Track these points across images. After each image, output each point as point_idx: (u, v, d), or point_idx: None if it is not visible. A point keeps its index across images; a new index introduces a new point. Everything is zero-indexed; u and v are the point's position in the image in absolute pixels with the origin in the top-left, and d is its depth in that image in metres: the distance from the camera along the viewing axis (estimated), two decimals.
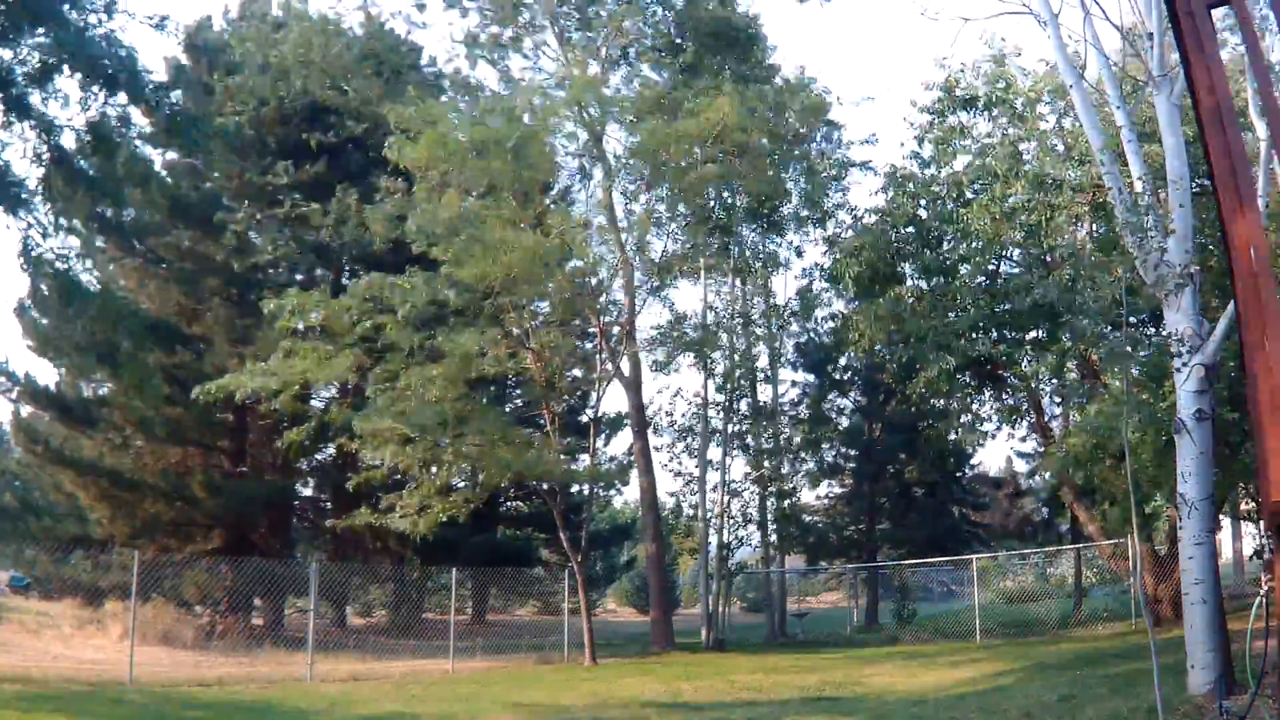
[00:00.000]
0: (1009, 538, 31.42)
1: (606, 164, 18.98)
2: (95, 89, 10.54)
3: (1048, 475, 21.63)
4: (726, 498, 22.66)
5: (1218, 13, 5.67)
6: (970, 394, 17.70)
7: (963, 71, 16.97)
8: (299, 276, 22.09)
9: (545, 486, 18.57)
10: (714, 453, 22.75)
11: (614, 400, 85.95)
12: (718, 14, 20.63)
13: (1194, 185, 10.09)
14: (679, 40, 20.92)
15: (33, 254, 11.42)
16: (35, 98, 10.50)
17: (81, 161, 11.36)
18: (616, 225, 18.97)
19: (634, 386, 19.77)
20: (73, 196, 11.97)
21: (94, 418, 19.78)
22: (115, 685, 11.54)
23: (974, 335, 15.63)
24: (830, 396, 29.20)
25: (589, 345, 20.69)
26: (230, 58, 21.36)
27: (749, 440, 23.60)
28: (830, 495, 31.85)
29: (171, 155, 21.27)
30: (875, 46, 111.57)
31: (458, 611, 19.18)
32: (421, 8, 20.90)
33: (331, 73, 20.23)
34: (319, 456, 22.93)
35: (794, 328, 25.78)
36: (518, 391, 25.70)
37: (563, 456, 19.53)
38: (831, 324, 24.03)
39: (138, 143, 13.30)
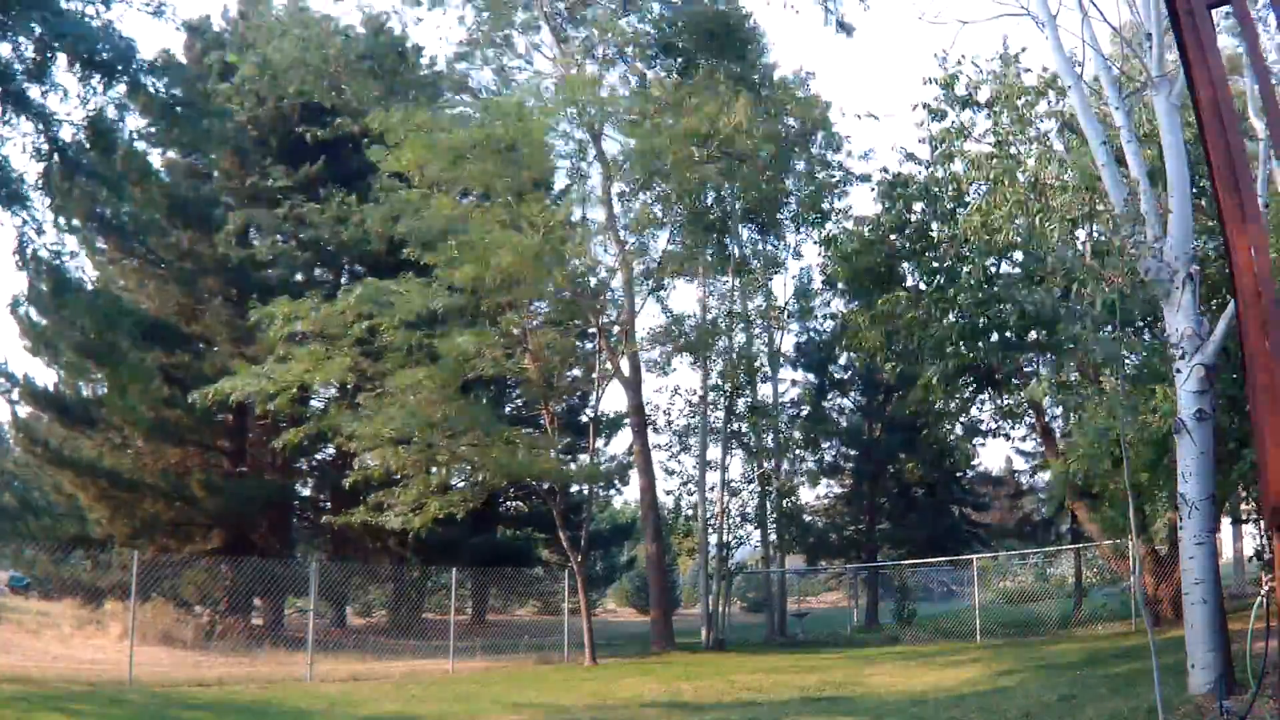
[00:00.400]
0: (1009, 538, 31.38)
1: (605, 164, 18.99)
2: (94, 79, 10.53)
3: (1049, 478, 21.63)
4: (726, 497, 22.66)
5: (1217, 12, 5.66)
6: (969, 397, 17.71)
7: (960, 66, 16.94)
8: (298, 277, 22.10)
9: (545, 486, 18.58)
10: (713, 452, 22.80)
11: (613, 400, 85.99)
12: (713, 12, 20.63)
13: (1193, 186, 10.08)
14: (675, 39, 20.94)
15: (29, 250, 11.41)
16: (34, 91, 10.49)
17: (80, 157, 11.34)
18: (614, 225, 18.97)
19: (633, 386, 19.78)
20: (71, 192, 11.96)
21: (93, 418, 19.77)
22: (115, 685, 11.53)
23: (972, 339, 15.62)
24: (830, 396, 29.21)
25: (588, 345, 20.70)
26: (230, 54, 21.34)
27: (748, 439, 23.61)
28: (830, 495, 31.88)
29: (171, 155, 21.29)
30: (875, 47, 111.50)
31: (457, 611, 19.18)
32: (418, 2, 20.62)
33: (328, 73, 20.23)
34: (318, 456, 22.94)
35: (794, 327, 25.85)
36: (517, 392, 25.69)
37: (562, 456, 19.55)
38: (831, 324, 24.06)
39: (137, 140, 13.30)
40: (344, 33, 20.96)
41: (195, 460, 20.85)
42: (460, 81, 21.22)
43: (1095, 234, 14.78)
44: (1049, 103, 16.06)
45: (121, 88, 10.89)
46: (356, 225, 18.59)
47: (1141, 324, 13.91)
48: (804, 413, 27.21)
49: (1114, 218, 9.43)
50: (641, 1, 20.54)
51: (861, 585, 27.87)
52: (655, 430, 22.54)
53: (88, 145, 11.09)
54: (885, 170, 18.31)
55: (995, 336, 15.61)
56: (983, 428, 20.08)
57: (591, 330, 19.41)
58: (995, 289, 15.64)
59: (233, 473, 21.00)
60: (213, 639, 17.75)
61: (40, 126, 10.61)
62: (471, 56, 20.56)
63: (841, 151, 23.81)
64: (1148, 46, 9.59)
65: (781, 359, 25.59)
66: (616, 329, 19.46)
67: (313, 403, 19.01)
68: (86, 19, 10.38)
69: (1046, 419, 18.29)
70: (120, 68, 10.62)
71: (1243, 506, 16.70)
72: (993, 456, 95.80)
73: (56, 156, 10.80)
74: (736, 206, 21.28)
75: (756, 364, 23.64)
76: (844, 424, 29.62)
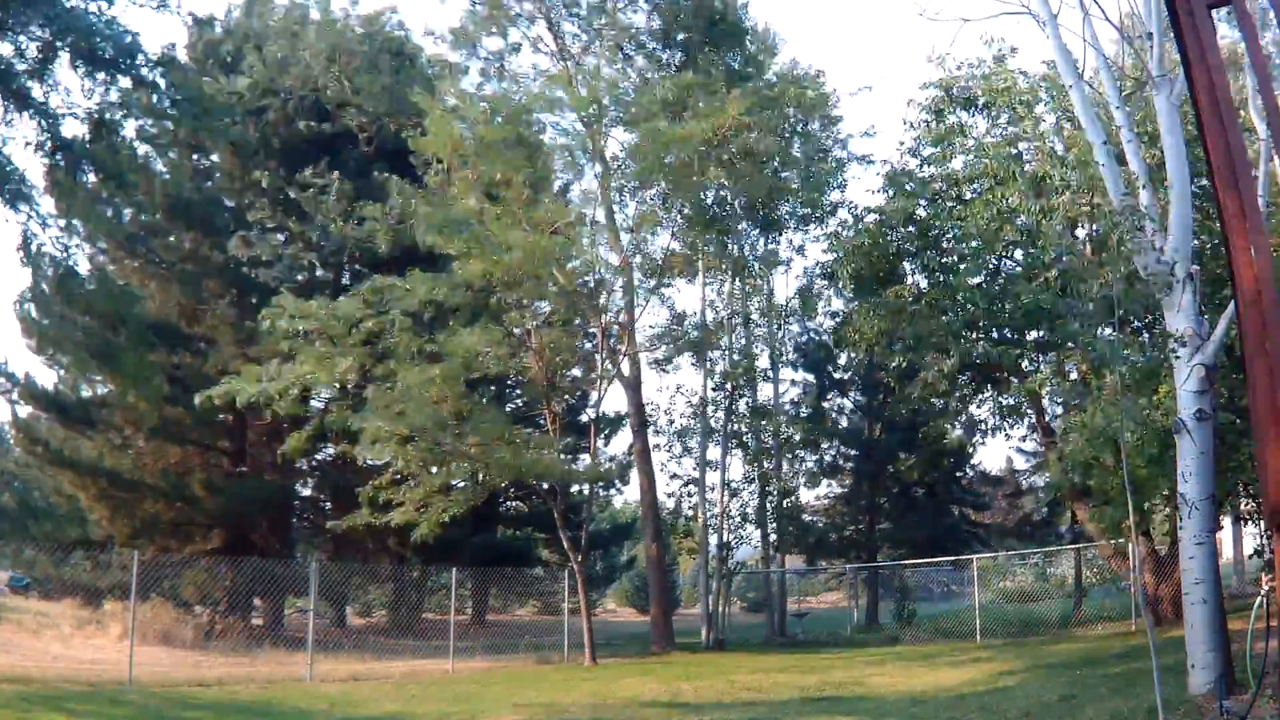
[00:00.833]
0: (1009, 538, 31.37)
1: (604, 162, 19.00)
2: (98, 75, 10.51)
3: (1049, 479, 21.64)
4: (726, 497, 22.67)
5: (1217, 12, 5.66)
6: (969, 394, 17.70)
7: (960, 69, 16.96)
8: (300, 277, 22.10)
9: (545, 486, 18.57)
10: (714, 452, 22.78)
11: (614, 400, 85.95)
12: (712, 4, 20.62)
13: (1193, 185, 10.09)
14: (670, 33, 20.93)
15: (32, 248, 11.40)
16: (37, 90, 10.48)
17: (83, 155, 11.33)
18: (615, 224, 18.97)
19: (634, 386, 19.78)
20: (74, 190, 11.96)
21: (93, 418, 19.77)
22: (115, 685, 11.53)
23: (973, 335, 15.62)
24: (830, 396, 29.21)
25: (589, 345, 20.70)
26: (235, 52, 21.37)
27: (749, 439, 23.61)
28: (830, 495, 31.86)
29: (173, 155, 21.29)
30: (874, 47, 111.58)
31: (457, 611, 19.18)
32: None
33: (334, 69, 20.25)
34: (318, 456, 22.94)
35: (794, 327, 25.82)
36: (518, 391, 25.69)
37: (563, 456, 19.53)
38: (831, 323, 24.06)
39: (139, 139, 13.29)
40: (344, 29, 20.98)
41: (196, 460, 20.85)
42: (456, 75, 21.22)
43: (1095, 232, 14.80)
44: (1044, 104, 16.08)
45: (125, 83, 10.88)
46: (359, 225, 18.58)
47: (1141, 324, 13.91)
48: (804, 413, 27.20)
49: (1113, 216, 9.41)
50: None
51: (861, 585, 27.87)
52: (656, 430, 22.55)
53: (91, 143, 11.08)
54: (889, 163, 18.35)
55: (996, 334, 15.63)
56: (983, 426, 20.09)
57: (593, 330, 19.41)
58: (996, 286, 15.67)
59: (233, 473, 21.01)
60: (213, 639, 17.75)
61: (43, 124, 10.60)
62: (465, 49, 20.52)
63: (840, 132, 23.81)
64: (1148, 46, 9.59)
65: (782, 359, 25.60)
66: (617, 328, 19.46)
67: (314, 403, 18.99)
68: (89, 15, 10.37)
69: (1047, 418, 18.28)
70: (123, 64, 10.61)
71: (1243, 506, 16.68)
72: (993, 456, 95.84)
73: (59, 155, 10.79)
74: (738, 204, 21.27)
75: (756, 364, 23.66)
76: (844, 424, 29.61)
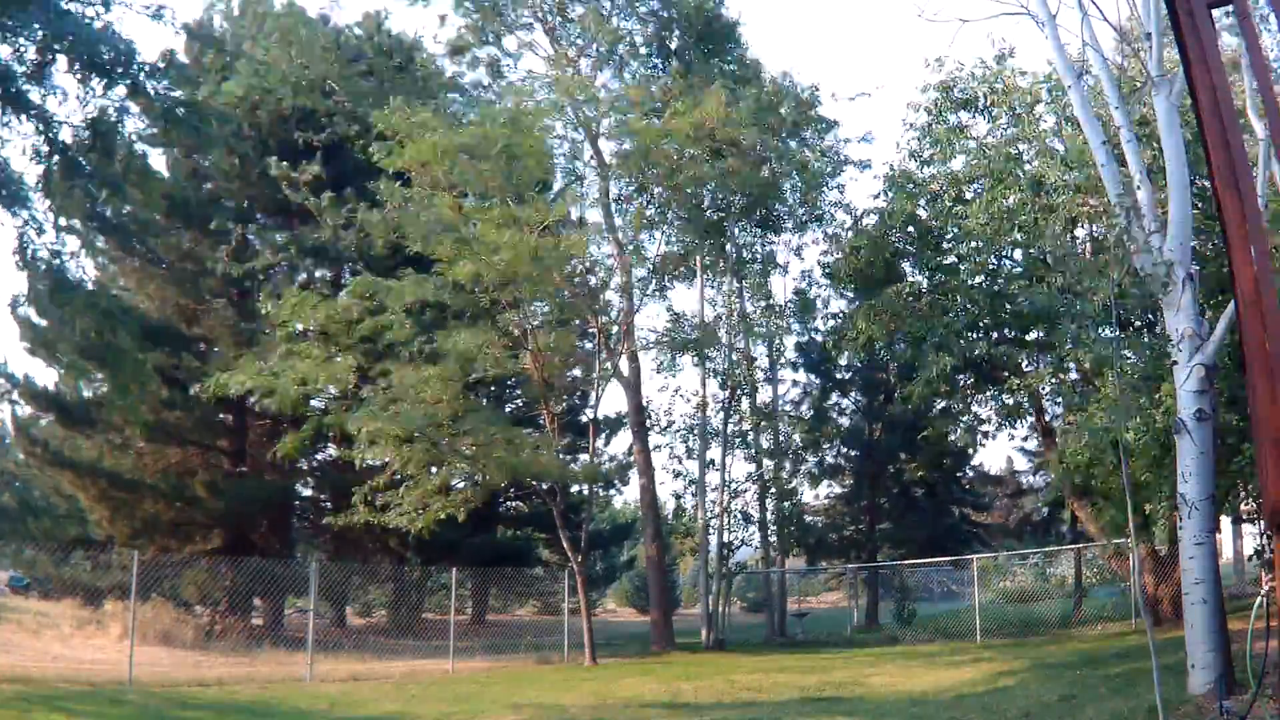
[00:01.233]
0: (1009, 537, 31.38)
1: (601, 164, 18.99)
2: (94, 81, 10.51)
3: (1050, 480, 21.64)
4: (727, 498, 22.66)
5: (1217, 12, 5.66)
6: (970, 394, 17.71)
7: (959, 70, 16.98)
8: (299, 277, 22.10)
9: (545, 486, 18.58)
10: (714, 453, 22.78)
11: (614, 400, 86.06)
12: (704, 10, 20.64)
13: (1193, 185, 10.09)
14: (665, 38, 20.96)
15: (29, 251, 11.40)
16: (34, 93, 10.48)
17: (80, 158, 11.33)
18: (613, 225, 18.96)
19: (633, 386, 19.78)
20: (71, 193, 11.94)
21: (93, 419, 19.77)
22: (115, 685, 11.53)
23: (973, 335, 15.64)
24: (830, 396, 29.20)
25: (588, 345, 20.71)
26: (228, 56, 21.36)
27: (749, 440, 23.60)
28: (830, 495, 31.85)
29: (172, 155, 21.28)
30: (874, 47, 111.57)
31: (457, 611, 19.18)
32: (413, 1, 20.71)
33: (324, 76, 20.24)
34: (318, 456, 22.94)
35: (794, 327, 25.82)
36: (517, 392, 25.69)
37: (562, 456, 19.52)
38: (831, 323, 24.05)
39: (137, 141, 13.29)
40: (339, 36, 20.96)
41: (195, 461, 20.85)
42: (451, 83, 21.22)
43: (1095, 233, 14.81)
44: (1044, 104, 16.10)
45: (121, 90, 10.89)
46: (358, 231, 18.60)
47: (1141, 324, 13.93)
48: (804, 413, 27.20)
49: (1112, 216, 9.42)
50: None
51: (861, 585, 27.87)
52: (656, 431, 22.56)
53: (88, 146, 11.09)
54: (889, 165, 18.37)
55: (996, 334, 15.65)
56: (984, 426, 20.09)
57: (591, 330, 19.42)
58: (997, 286, 15.70)
59: (233, 473, 21.00)
60: (213, 639, 17.75)
61: (40, 128, 10.60)
62: (461, 56, 20.54)
63: (836, 136, 23.82)
64: (1148, 46, 9.59)
65: (782, 360, 25.61)
66: (616, 329, 19.46)
67: (313, 403, 19.00)
68: (86, 20, 10.37)
69: (1047, 418, 18.29)
70: (120, 69, 10.61)
71: (1243, 506, 16.69)
72: (993, 456, 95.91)
73: (57, 158, 10.79)
74: (734, 204, 21.27)
75: (756, 364, 23.66)
76: (844, 424, 29.61)
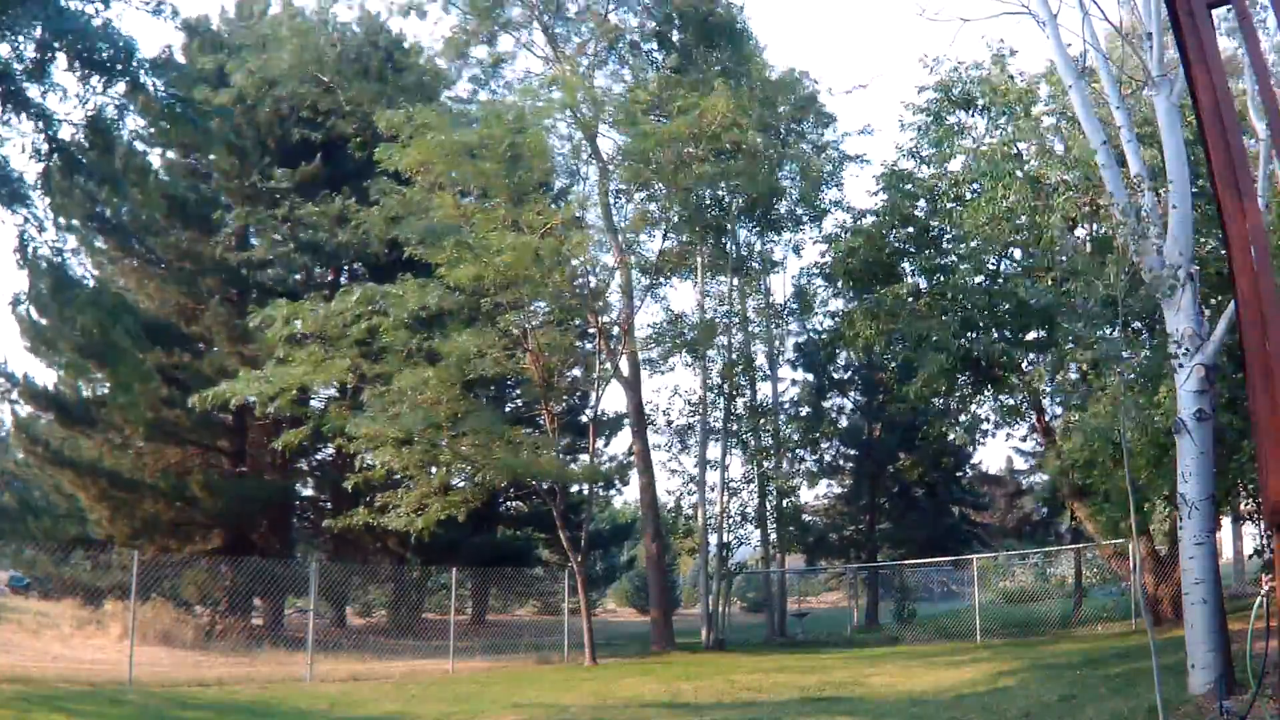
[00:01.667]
0: (1009, 537, 31.37)
1: (601, 163, 18.99)
2: (93, 79, 10.50)
3: (1047, 477, 21.65)
4: (726, 497, 22.66)
5: (1217, 12, 5.66)
6: (969, 394, 17.71)
7: (958, 70, 16.98)
8: (297, 277, 22.10)
9: (545, 486, 18.58)
10: (713, 452, 22.78)
11: (613, 400, 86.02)
12: (703, 5, 20.64)
13: (1194, 185, 10.09)
14: (665, 34, 20.95)
15: (29, 249, 11.40)
16: (34, 91, 10.46)
17: (80, 157, 11.32)
18: (613, 224, 18.95)
19: (633, 386, 19.78)
20: (71, 192, 11.95)
21: (93, 418, 19.76)
22: (115, 685, 11.53)
23: (972, 335, 15.64)
24: (829, 395, 29.20)
25: (588, 345, 20.71)
26: (228, 65, 21.36)
27: (748, 439, 23.61)
28: (830, 495, 31.86)
29: (171, 155, 21.28)
30: (874, 46, 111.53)
31: (457, 611, 19.18)
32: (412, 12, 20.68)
33: (324, 75, 20.25)
34: (318, 456, 22.94)
35: (793, 326, 25.83)
36: (517, 392, 25.69)
37: (562, 456, 19.51)
38: (830, 322, 24.06)
39: (136, 140, 13.28)
40: (339, 33, 20.96)
41: (195, 460, 20.84)
42: (451, 81, 21.23)
43: (1095, 232, 14.82)
44: (1044, 104, 16.10)
45: (121, 87, 10.88)
46: (355, 229, 18.59)
47: (1141, 324, 13.93)
48: (803, 412, 27.20)
49: (1114, 214, 9.42)
50: None
51: (861, 585, 27.87)
52: (655, 430, 22.55)
53: (87, 145, 11.08)
54: (886, 164, 18.37)
55: (995, 333, 15.64)
56: (983, 426, 20.07)
57: (591, 330, 19.41)
58: (996, 285, 15.70)
59: (233, 473, 21.00)
60: (213, 639, 17.75)
61: (40, 126, 10.59)
62: (460, 55, 20.53)
63: (836, 131, 23.86)
64: (1148, 46, 9.59)
65: (780, 358, 25.61)
66: (616, 329, 19.46)
67: (313, 403, 19.01)
68: (86, 18, 10.36)
69: (1047, 419, 18.29)
70: (120, 67, 10.60)
71: (1243, 506, 16.69)
72: (993, 456, 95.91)
73: (56, 156, 10.78)
74: (734, 204, 21.27)
75: (755, 363, 23.65)
76: (843, 424, 29.60)
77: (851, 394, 29.74)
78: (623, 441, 25.33)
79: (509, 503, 27.25)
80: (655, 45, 21.23)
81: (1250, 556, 20.55)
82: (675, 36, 20.87)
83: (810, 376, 28.56)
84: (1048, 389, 16.69)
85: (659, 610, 19.77)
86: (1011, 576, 24.89)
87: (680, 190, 17.95)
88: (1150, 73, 9.56)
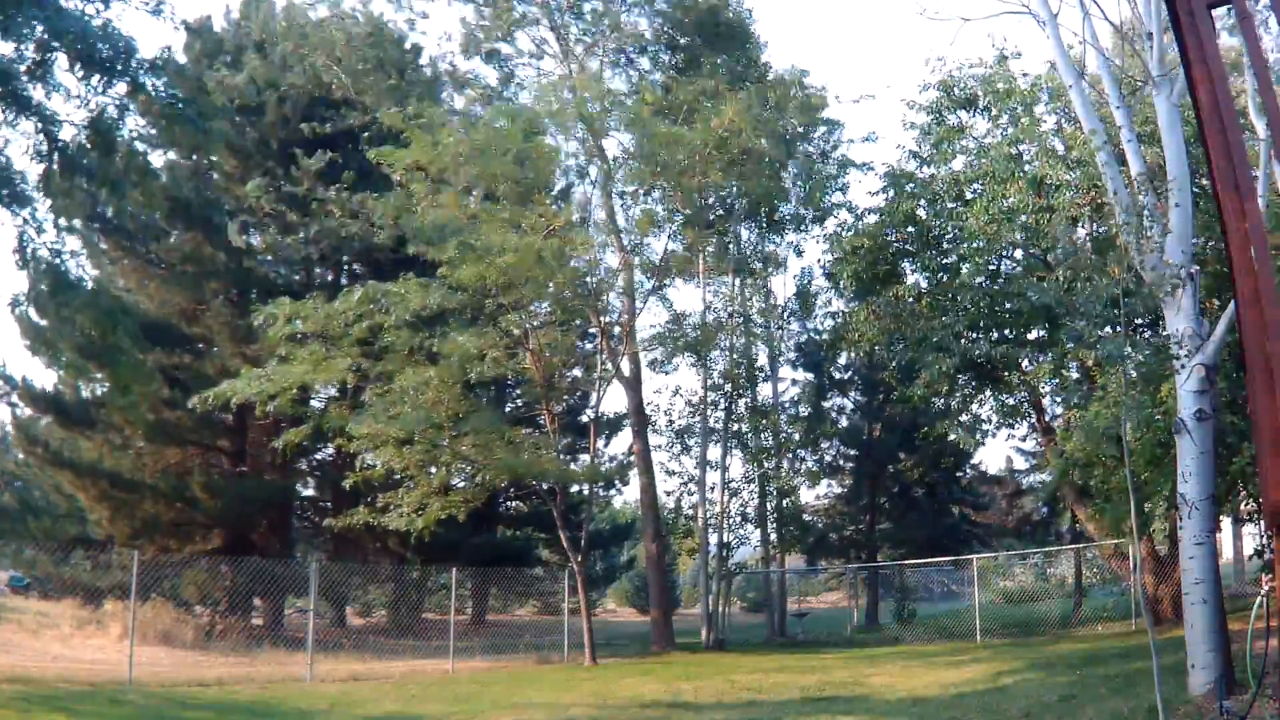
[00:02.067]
0: (1009, 537, 31.37)
1: (606, 164, 18.98)
2: (94, 79, 10.50)
3: (1047, 476, 21.63)
4: (726, 497, 22.66)
5: (1217, 12, 5.66)
6: (970, 394, 17.71)
7: (960, 69, 16.99)
8: (298, 277, 22.09)
9: (545, 486, 18.58)
10: (714, 452, 22.77)
11: (614, 400, 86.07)
12: (711, 7, 20.63)
13: (1194, 185, 10.09)
14: (674, 35, 20.95)
15: (29, 250, 11.40)
16: (34, 91, 10.47)
17: (81, 157, 11.32)
18: (616, 225, 18.95)
19: (634, 386, 19.78)
20: (72, 193, 11.93)
21: (93, 419, 19.77)
22: (115, 685, 11.53)
23: (974, 335, 15.63)
24: (830, 396, 29.21)
25: (589, 345, 20.71)
26: (231, 55, 21.38)
27: (749, 439, 23.60)
28: (830, 495, 31.86)
29: (172, 155, 21.27)
30: (874, 45, 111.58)
31: (457, 611, 19.18)
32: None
33: (331, 71, 20.25)
34: (318, 456, 22.94)
35: (794, 327, 25.83)
36: (517, 392, 25.70)
37: (562, 456, 19.50)
38: (831, 323, 24.05)
39: (137, 140, 13.27)
40: (346, 29, 20.96)
41: (195, 461, 20.84)
42: (462, 79, 21.21)
43: (1097, 231, 14.81)
44: (1044, 104, 16.09)
45: (122, 87, 10.88)
46: (364, 220, 18.55)
47: (1142, 323, 13.93)
48: (804, 413, 27.20)
49: (1115, 214, 9.42)
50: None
51: (861, 585, 27.87)
52: (656, 430, 22.54)
53: (88, 145, 11.08)
54: (889, 165, 18.37)
55: (996, 334, 15.64)
56: (985, 427, 20.07)
57: (592, 330, 19.40)
58: (997, 285, 15.69)
59: (233, 473, 21.00)
60: (213, 639, 17.75)
61: (40, 126, 10.59)
62: (471, 54, 20.56)
63: (841, 139, 23.85)
64: (1148, 46, 9.60)
65: (781, 359, 25.60)
66: (618, 329, 19.45)
67: (313, 403, 19.01)
68: (86, 18, 10.36)
69: (1047, 418, 18.29)
70: (120, 67, 10.60)
71: (1243, 506, 16.69)
72: (993, 456, 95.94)
73: (57, 156, 10.78)
74: (738, 205, 21.26)
75: (756, 364, 23.65)
76: (844, 424, 29.61)
77: (852, 394, 29.76)
78: (623, 442, 25.38)
79: (509, 503, 27.25)
80: (664, 47, 21.22)
81: (1250, 557, 20.55)
82: (683, 40, 20.87)
83: (811, 377, 28.57)
84: (1048, 389, 16.69)
85: (659, 610, 19.77)
86: (1011, 576, 24.90)
87: (686, 193, 17.96)
88: (1150, 73, 9.56)
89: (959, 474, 31.61)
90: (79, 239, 18.19)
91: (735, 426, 23.24)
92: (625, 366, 19.60)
